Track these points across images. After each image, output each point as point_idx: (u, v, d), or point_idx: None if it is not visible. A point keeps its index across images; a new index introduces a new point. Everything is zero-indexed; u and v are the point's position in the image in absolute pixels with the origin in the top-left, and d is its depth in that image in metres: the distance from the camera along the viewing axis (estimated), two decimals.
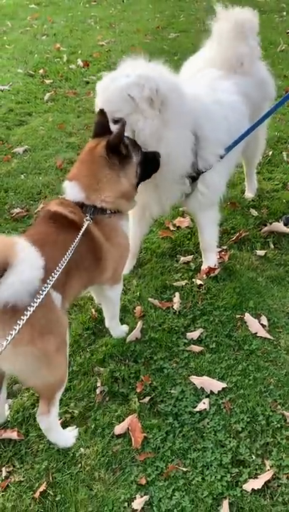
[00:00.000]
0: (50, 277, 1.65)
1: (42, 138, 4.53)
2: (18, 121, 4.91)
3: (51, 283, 1.64)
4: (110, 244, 2.03)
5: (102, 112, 2.07)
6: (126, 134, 2.04)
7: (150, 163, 2.18)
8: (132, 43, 7.22)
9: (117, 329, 2.42)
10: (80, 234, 1.84)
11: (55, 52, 7.00)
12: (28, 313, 1.53)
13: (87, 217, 1.92)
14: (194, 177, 2.49)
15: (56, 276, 1.66)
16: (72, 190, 2.01)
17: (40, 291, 1.59)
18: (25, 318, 1.52)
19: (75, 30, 8.15)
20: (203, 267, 2.85)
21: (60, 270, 1.69)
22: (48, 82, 5.91)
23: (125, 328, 2.45)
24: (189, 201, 2.63)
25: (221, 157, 2.50)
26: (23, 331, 1.55)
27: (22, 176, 3.93)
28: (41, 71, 6.25)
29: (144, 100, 2.13)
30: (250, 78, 2.75)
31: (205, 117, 2.42)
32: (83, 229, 1.87)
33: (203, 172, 2.48)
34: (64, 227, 1.88)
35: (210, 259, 2.86)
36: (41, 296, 1.58)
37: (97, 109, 2.17)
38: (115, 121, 2.14)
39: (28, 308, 1.53)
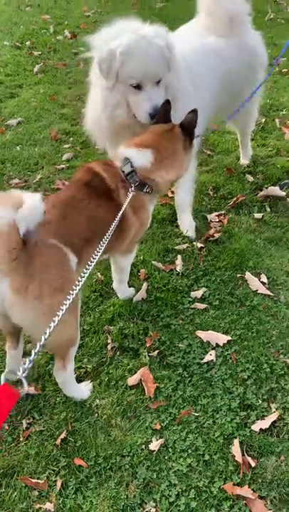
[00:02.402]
0: (100, 245, 1.70)
1: (35, 110, 4.51)
2: (9, 94, 4.87)
3: (100, 251, 1.68)
4: (136, 218, 2.07)
5: (168, 101, 2.15)
6: (162, 94, 2.19)
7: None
8: (118, 13, 7.10)
9: (124, 292, 2.50)
10: (125, 205, 1.88)
11: (41, 23, 6.88)
12: (78, 287, 1.54)
13: (132, 189, 1.96)
14: None
15: (104, 244, 1.71)
16: (142, 157, 2.03)
17: (89, 263, 1.64)
18: (78, 288, 1.53)
19: (59, 0, 7.97)
20: (182, 229, 2.93)
21: (108, 238, 1.74)
22: (36, 53, 5.84)
23: (132, 290, 2.53)
24: None
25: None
26: (32, 286, 1.62)
27: (17, 147, 3.94)
28: (28, 43, 6.16)
29: (176, 60, 2.29)
30: (232, 41, 2.80)
31: (186, 71, 2.50)
32: (127, 201, 1.91)
33: None
34: (97, 193, 1.91)
35: (184, 220, 2.94)
36: (91, 266, 1.62)
37: (130, 75, 2.20)
38: (157, 82, 2.25)
39: (79, 279, 1.56)
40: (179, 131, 2.12)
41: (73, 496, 1.73)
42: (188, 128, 2.13)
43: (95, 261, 1.66)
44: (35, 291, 1.64)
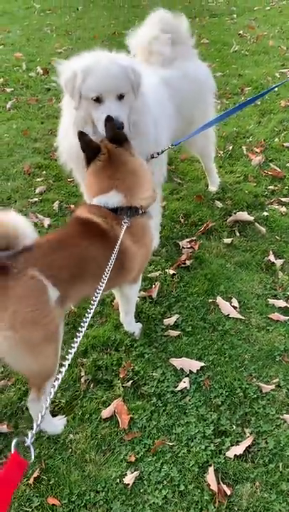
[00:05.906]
0: (100, 284, 1.65)
1: (7, 145, 4.56)
2: None
3: (101, 290, 1.63)
4: (138, 245, 2.04)
5: (82, 133, 2.05)
6: (124, 111, 2.21)
7: None
8: (89, 50, 7.32)
9: (131, 324, 2.48)
10: (119, 241, 1.85)
11: (14, 61, 7.02)
12: (85, 324, 1.51)
13: (125, 221, 1.94)
14: None
15: (104, 285, 1.66)
16: (113, 200, 2.00)
17: (94, 297, 1.59)
18: (85, 326, 1.50)
19: (32, 38, 8.19)
20: None
21: (106, 278, 1.69)
22: (8, 90, 5.94)
23: (140, 325, 2.51)
24: None
25: None
26: (6, 316, 1.65)
27: None
28: (1, 80, 6.27)
29: (137, 85, 2.33)
30: (177, 72, 2.92)
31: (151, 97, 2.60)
32: (122, 233, 1.88)
33: None
34: (91, 233, 1.91)
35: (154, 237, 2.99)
36: (95, 303, 1.57)
37: (89, 88, 2.20)
38: (120, 97, 2.26)
39: (86, 315, 1.52)
40: (120, 150, 2.04)
41: None
42: (117, 138, 2.05)
43: (98, 299, 1.60)
44: (9, 321, 1.66)
